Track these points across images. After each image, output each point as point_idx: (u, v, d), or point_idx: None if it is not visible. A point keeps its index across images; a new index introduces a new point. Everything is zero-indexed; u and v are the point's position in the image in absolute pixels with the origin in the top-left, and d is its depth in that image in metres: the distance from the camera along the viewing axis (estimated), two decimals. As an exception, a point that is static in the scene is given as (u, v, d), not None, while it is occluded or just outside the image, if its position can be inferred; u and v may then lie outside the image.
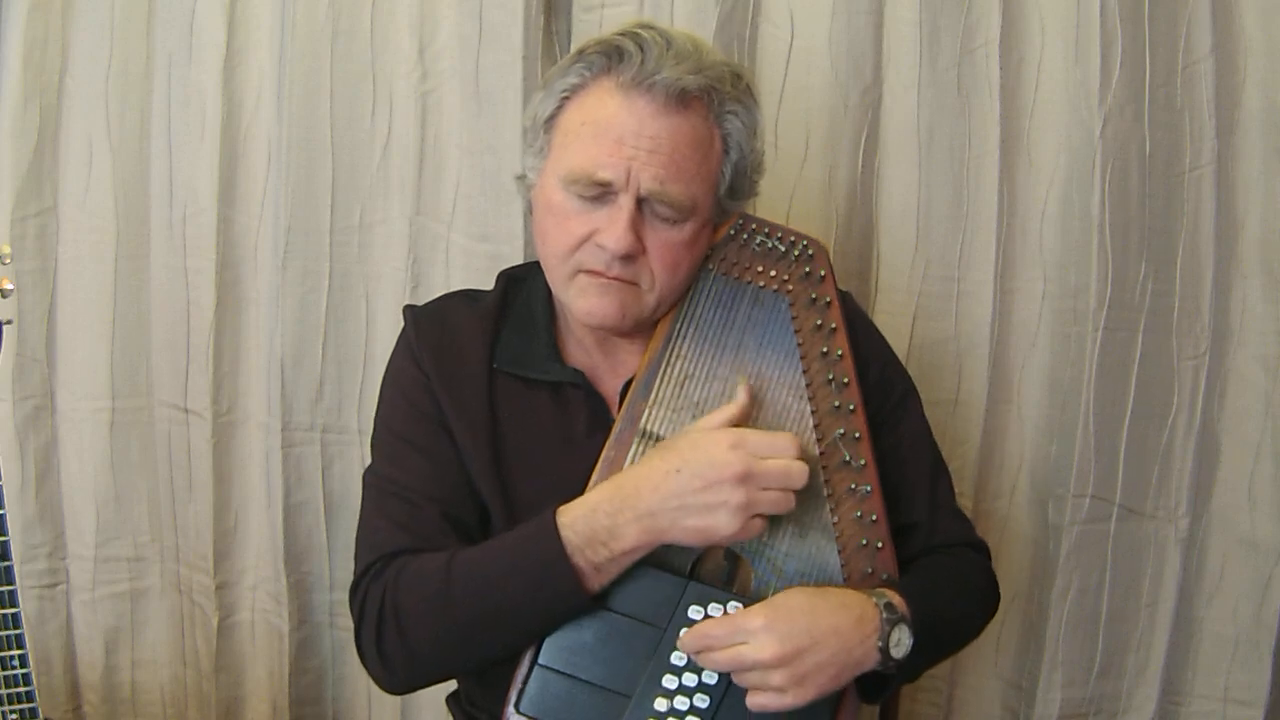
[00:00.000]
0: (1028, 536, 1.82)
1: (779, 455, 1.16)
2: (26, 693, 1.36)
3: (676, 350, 1.28)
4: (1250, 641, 1.81)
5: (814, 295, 1.28)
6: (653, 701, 1.18)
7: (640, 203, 1.21)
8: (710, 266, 1.30)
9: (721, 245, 1.30)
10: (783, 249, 1.30)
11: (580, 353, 1.34)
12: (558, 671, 1.20)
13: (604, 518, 1.16)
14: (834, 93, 1.70)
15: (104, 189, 1.73)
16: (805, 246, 1.29)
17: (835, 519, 1.24)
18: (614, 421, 1.26)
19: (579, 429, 1.30)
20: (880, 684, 1.21)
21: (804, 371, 1.27)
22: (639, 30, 1.22)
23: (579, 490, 1.21)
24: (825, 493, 1.24)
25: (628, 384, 1.29)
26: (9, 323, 1.36)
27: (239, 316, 1.77)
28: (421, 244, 1.73)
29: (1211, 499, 1.82)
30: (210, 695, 1.83)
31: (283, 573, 1.77)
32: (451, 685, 1.40)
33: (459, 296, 1.41)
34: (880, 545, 1.24)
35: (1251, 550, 1.80)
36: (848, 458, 1.25)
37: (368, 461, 1.35)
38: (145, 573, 1.82)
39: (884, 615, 1.16)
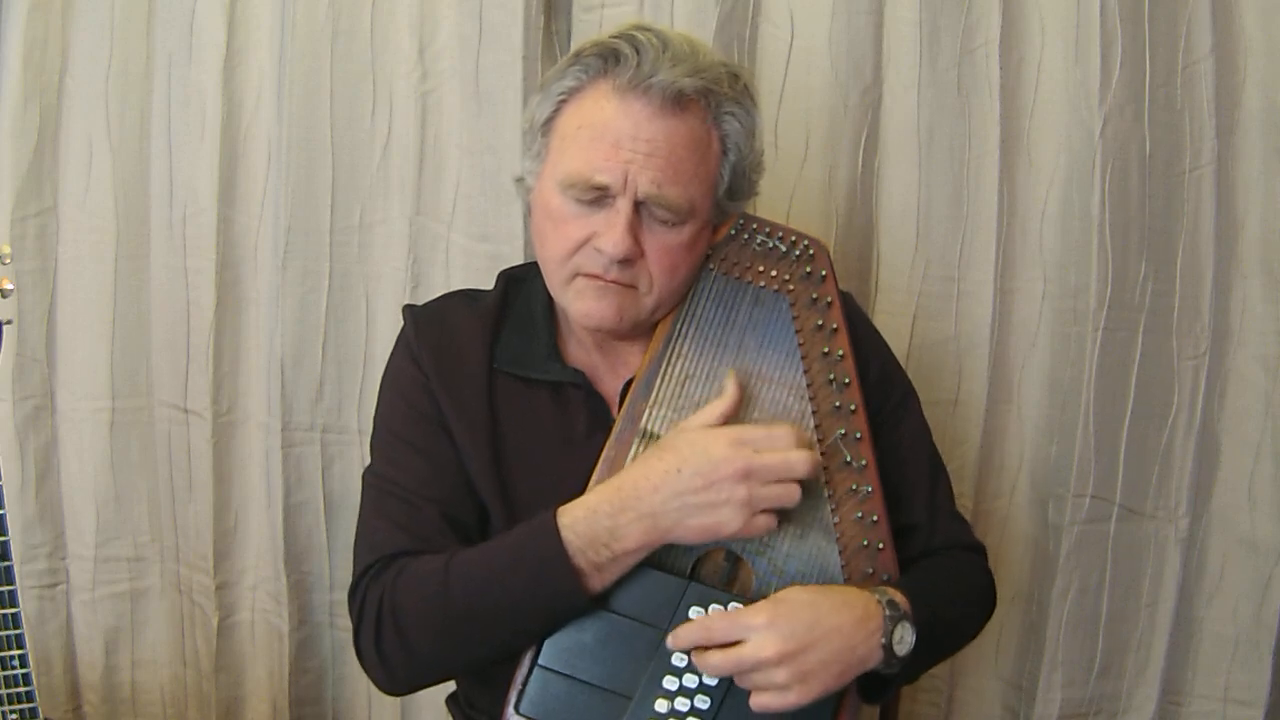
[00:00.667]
0: (1028, 536, 1.82)
1: (779, 448, 1.16)
2: (26, 693, 1.36)
3: (677, 350, 1.28)
4: (1250, 641, 1.81)
5: (815, 295, 1.28)
6: (653, 702, 1.18)
7: (638, 206, 1.20)
8: (711, 266, 1.30)
9: (722, 245, 1.30)
10: (784, 249, 1.29)
11: (580, 353, 1.34)
12: (558, 672, 1.20)
13: (605, 519, 1.16)
14: (834, 93, 1.70)
15: (104, 189, 1.73)
16: (806, 246, 1.29)
17: (836, 519, 1.24)
18: (614, 421, 1.26)
19: (579, 429, 1.30)
20: (881, 685, 1.21)
21: (805, 372, 1.27)
22: (635, 32, 1.22)
23: (579, 490, 1.21)
24: (826, 493, 1.24)
25: (628, 384, 1.29)
26: (9, 323, 1.36)
27: (239, 316, 1.77)
28: (421, 244, 1.73)
29: (1211, 499, 1.82)
30: (210, 695, 1.83)
31: (283, 573, 1.77)
32: (451, 686, 1.40)
33: (459, 296, 1.41)
34: (881, 546, 1.24)
35: (1251, 550, 1.80)
36: (849, 458, 1.25)
37: (368, 461, 1.35)
38: (145, 573, 1.82)
39: (887, 613, 1.16)
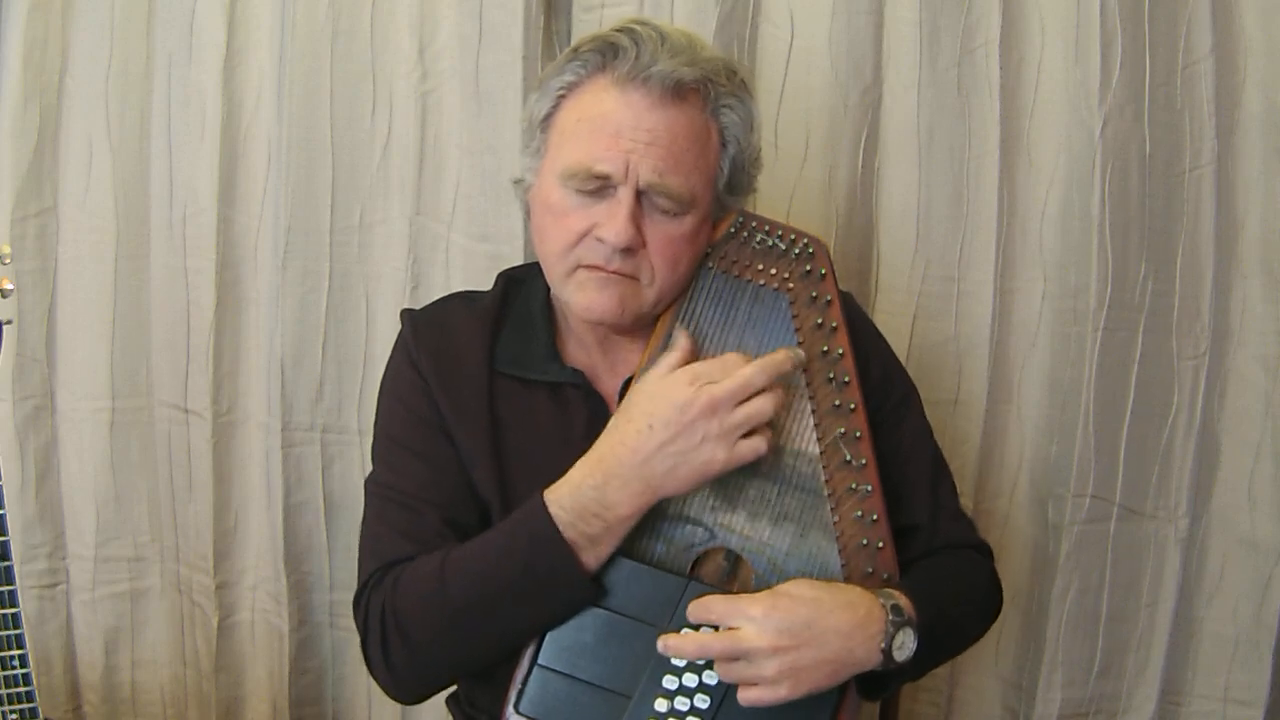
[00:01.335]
0: (1028, 536, 1.82)
1: (731, 371, 1.17)
2: (26, 693, 1.36)
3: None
4: (1250, 641, 1.81)
5: (814, 293, 1.28)
6: (653, 702, 1.18)
7: (640, 195, 1.20)
8: (710, 264, 1.29)
9: (721, 243, 1.30)
10: (783, 247, 1.29)
11: (580, 352, 1.34)
12: (557, 672, 1.20)
13: (591, 490, 1.16)
14: (834, 93, 1.70)
15: (104, 189, 1.73)
16: (806, 245, 1.29)
17: (836, 518, 1.23)
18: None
19: (578, 429, 1.29)
20: (881, 682, 1.21)
21: (804, 370, 1.26)
22: (633, 26, 1.23)
23: None
24: (826, 492, 1.24)
25: (627, 382, 1.29)
26: (9, 323, 1.36)
27: (239, 316, 1.77)
28: (421, 244, 1.73)
29: (1211, 499, 1.82)
30: (210, 695, 1.83)
31: (283, 573, 1.77)
32: (451, 686, 1.40)
33: (457, 298, 1.41)
34: (881, 545, 1.24)
35: (1251, 550, 1.80)
36: (848, 457, 1.24)
37: (367, 461, 1.35)
38: (145, 573, 1.82)
39: (891, 618, 1.15)
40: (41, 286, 1.74)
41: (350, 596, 1.29)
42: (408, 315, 1.37)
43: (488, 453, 1.27)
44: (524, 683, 1.21)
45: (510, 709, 1.20)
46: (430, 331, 1.34)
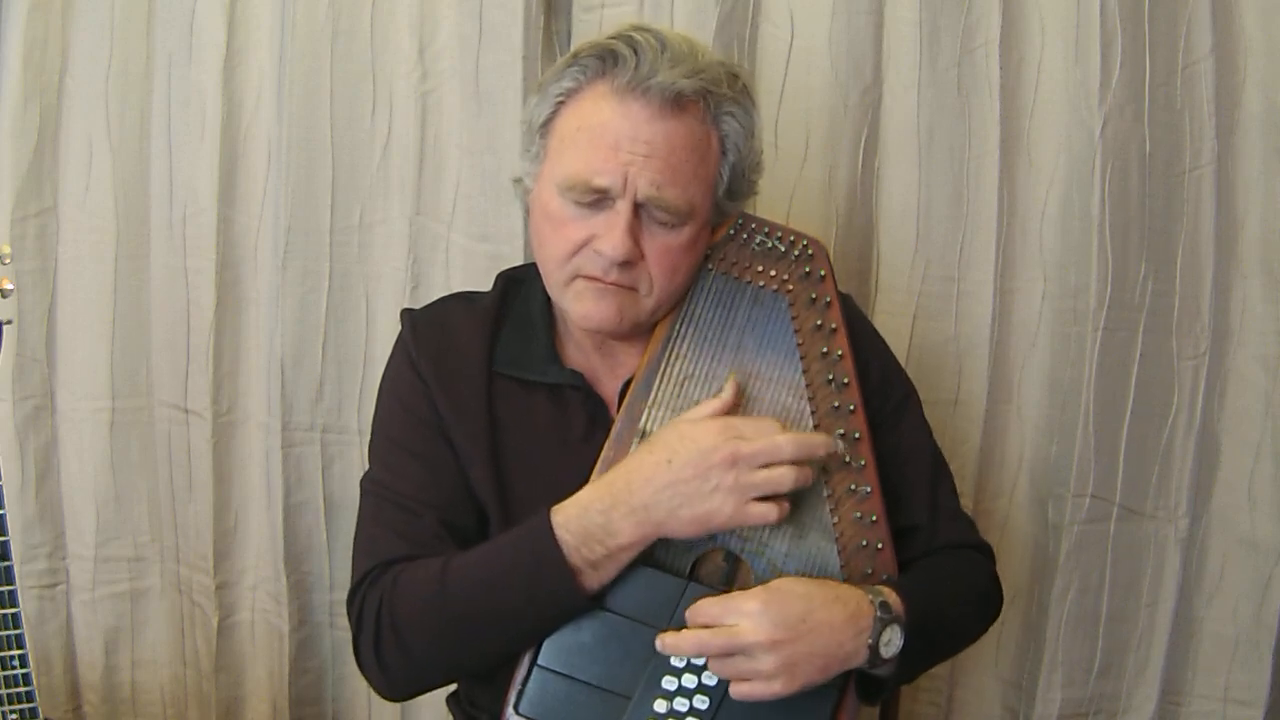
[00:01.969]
0: (1028, 536, 1.82)
1: (764, 434, 1.17)
2: (26, 693, 1.36)
3: (676, 350, 1.28)
4: (1250, 641, 1.81)
5: (814, 295, 1.28)
6: (652, 703, 1.18)
7: (637, 208, 1.20)
8: (710, 266, 1.29)
9: (721, 245, 1.30)
10: (783, 249, 1.29)
11: (579, 354, 1.34)
12: (557, 672, 1.20)
13: (597, 515, 1.16)
14: (834, 93, 1.70)
15: (104, 189, 1.73)
16: (805, 246, 1.29)
17: (835, 519, 1.24)
18: (613, 422, 1.26)
19: (577, 430, 1.30)
20: (879, 685, 1.21)
21: (804, 371, 1.26)
22: (633, 33, 1.22)
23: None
24: (825, 493, 1.24)
25: (627, 384, 1.29)
26: (9, 323, 1.36)
27: (239, 316, 1.77)
28: (421, 244, 1.73)
29: (1211, 499, 1.82)
30: (210, 695, 1.83)
31: (283, 573, 1.77)
32: (451, 685, 1.40)
33: (456, 299, 1.41)
34: (880, 546, 1.24)
35: (1251, 550, 1.80)
36: (848, 458, 1.24)
37: (367, 462, 1.35)
38: (145, 573, 1.82)
39: (878, 614, 1.16)
40: (41, 286, 1.74)
41: (350, 594, 1.30)
42: (407, 315, 1.37)
43: (486, 453, 1.27)
44: (524, 683, 1.21)
45: (510, 710, 1.20)
46: (430, 332, 1.34)
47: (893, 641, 1.17)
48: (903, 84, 1.70)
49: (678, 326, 1.28)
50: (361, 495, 1.33)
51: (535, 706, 1.20)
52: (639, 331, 1.28)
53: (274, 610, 1.80)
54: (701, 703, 1.18)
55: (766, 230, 1.30)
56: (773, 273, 1.29)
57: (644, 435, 1.24)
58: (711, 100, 1.22)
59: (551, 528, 1.16)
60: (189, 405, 1.78)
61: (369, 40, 1.70)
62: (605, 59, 1.21)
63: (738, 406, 1.24)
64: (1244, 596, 1.81)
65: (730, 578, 1.23)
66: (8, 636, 1.34)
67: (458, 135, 1.70)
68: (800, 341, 1.27)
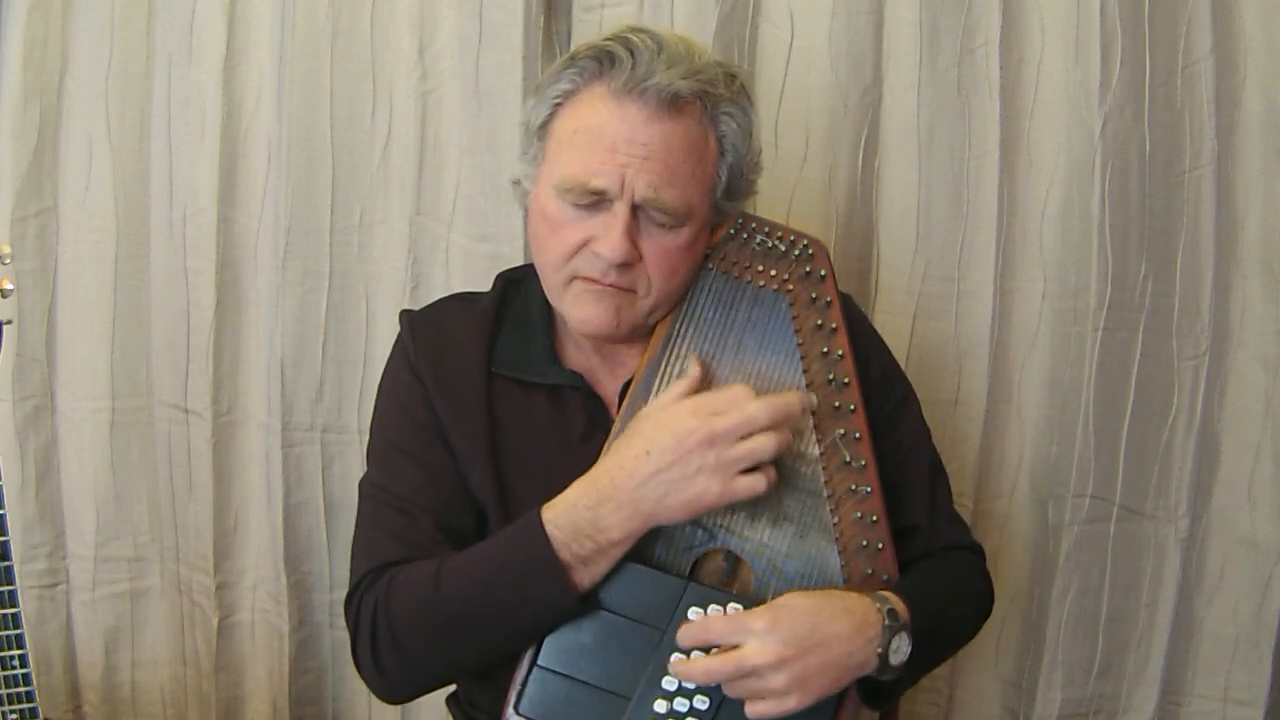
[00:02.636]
0: (1028, 536, 1.82)
1: (737, 406, 1.16)
2: (26, 693, 1.36)
3: (676, 350, 1.28)
4: (1250, 641, 1.81)
5: (814, 295, 1.28)
6: (652, 703, 1.18)
7: (635, 209, 1.20)
8: (710, 266, 1.29)
9: (721, 244, 1.30)
10: (783, 248, 1.29)
11: (578, 355, 1.34)
12: (557, 673, 1.20)
13: (585, 511, 1.16)
14: (834, 93, 1.70)
15: (104, 189, 1.73)
16: (805, 246, 1.29)
17: (835, 519, 1.23)
18: (613, 422, 1.26)
19: (576, 431, 1.30)
20: (883, 690, 1.21)
21: (804, 371, 1.26)
22: (629, 35, 1.21)
23: None
24: (825, 493, 1.24)
25: (627, 384, 1.29)
26: (9, 323, 1.36)
27: (239, 316, 1.77)
28: (421, 244, 1.73)
29: (1211, 499, 1.82)
30: (210, 695, 1.83)
31: (283, 573, 1.77)
32: (451, 686, 1.40)
33: (455, 300, 1.41)
34: (880, 546, 1.24)
35: (1251, 550, 1.80)
36: (848, 458, 1.24)
37: (367, 461, 1.35)
38: (145, 573, 1.82)
39: (886, 622, 1.16)
40: (41, 286, 1.73)
41: (350, 593, 1.30)
42: (406, 317, 1.37)
43: (485, 454, 1.27)
44: (524, 684, 1.21)
45: (510, 710, 1.20)
46: (428, 333, 1.34)
47: (901, 649, 1.16)
48: (903, 84, 1.70)
49: (678, 326, 1.28)
50: (360, 498, 1.33)
51: (535, 707, 1.20)
52: (637, 333, 1.28)
53: (274, 610, 1.80)
54: (701, 703, 1.18)
55: (767, 230, 1.30)
56: (773, 272, 1.29)
57: (643, 435, 1.24)
58: (709, 101, 1.22)
59: (542, 525, 1.16)
60: (189, 405, 1.78)
61: (369, 40, 1.70)
62: (602, 61, 1.21)
63: (706, 384, 1.23)
64: (1244, 596, 1.81)
65: (731, 578, 1.23)
66: (8, 636, 1.34)
67: (458, 135, 1.70)
68: (800, 341, 1.27)
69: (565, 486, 1.21)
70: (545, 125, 1.25)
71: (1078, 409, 1.75)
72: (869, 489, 1.24)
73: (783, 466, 1.23)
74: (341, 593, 1.77)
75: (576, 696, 1.20)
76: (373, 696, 1.80)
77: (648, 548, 1.21)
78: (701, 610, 1.19)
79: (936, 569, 1.31)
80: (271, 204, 1.72)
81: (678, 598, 1.19)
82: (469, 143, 1.70)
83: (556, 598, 1.17)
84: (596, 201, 1.20)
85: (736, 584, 1.23)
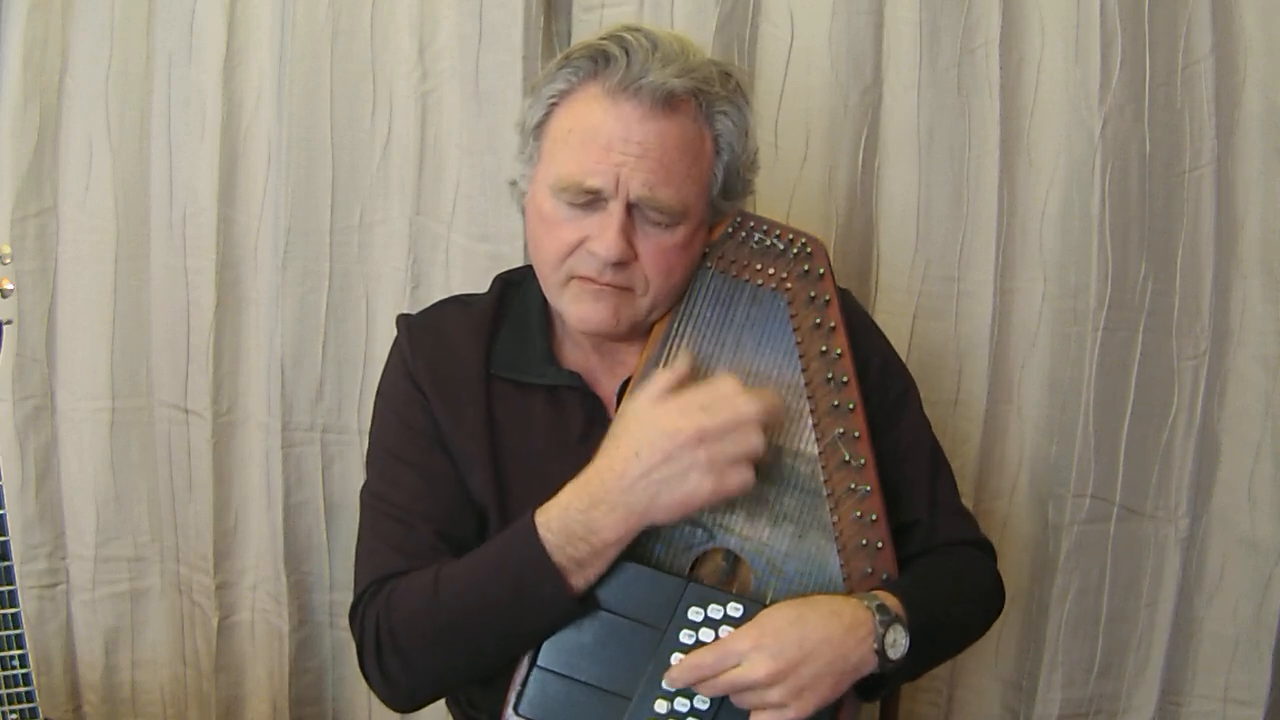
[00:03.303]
0: (1028, 536, 1.82)
1: (725, 402, 1.15)
2: (26, 693, 1.36)
3: (675, 349, 1.27)
4: (1250, 641, 1.81)
5: (813, 293, 1.28)
6: (652, 703, 1.18)
7: (631, 208, 1.20)
8: (708, 264, 1.29)
9: (720, 243, 1.30)
10: (781, 247, 1.29)
11: (577, 355, 1.34)
12: (557, 673, 1.20)
13: (578, 514, 1.15)
14: (834, 93, 1.70)
15: (104, 189, 1.73)
16: (804, 244, 1.29)
17: (835, 518, 1.23)
18: (611, 422, 1.26)
19: (575, 431, 1.30)
20: (877, 683, 1.20)
21: (803, 370, 1.26)
22: (624, 34, 1.21)
23: None
24: (825, 492, 1.24)
25: (625, 383, 1.29)
26: (9, 323, 1.36)
27: (239, 316, 1.77)
28: (421, 244, 1.73)
29: (1211, 499, 1.82)
30: (210, 695, 1.83)
31: (283, 573, 1.77)
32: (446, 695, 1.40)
33: (452, 303, 1.41)
34: (880, 545, 1.24)
35: (1251, 550, 1.80)
36: (847, 457, 1.24)
37: (368, 461, 1.35)
38: (145, 573, 1.82)
39: (877, 618, 1.16)
40: (41, 286, 1.74)
41: (350, 596, 1.30)
42: (403, 321, 1.37)
43: (485, 457, 1.27)
44: (523, 684, 1.20)
45: (510, 710, 1.20)
46: (426, 337, 1.34)
47: (898, 642, 1.17)
48: (903, 84, 1.70)
49: (676, 325, 1.28)
50: (361, 507, 1.33)
51: (535, 707, 1.20)
52: (637, 332, 1.28)
53: (274, 610, 1.80)
54: (702, 703, 1.18)
55: (765, 228, 1.30)
56: (771, 271, 1.29)
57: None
58: (704, 99, 1.22)
59: (535, 529, 1.16)
60: (189, 405, 1.78)
61: (369, 40, 1.70)
62: (597, 60, 1.21)
63: (687, 377, 1.22)
64: (1244, 596, 1.81)
65: (730, 577, 1.23)
66: (8, 636, 1.34)
67: (458, 135, 1.70)
68: (799, 340, 1.27)
69: (563, 487, 1.21)
70: (540, 125, 1.25)
71: (1078, 409, 1.75)
72: (868, 488, 1.24)
73: (782, 465, 1.23)
74: (341, 593, 1.78)
75: (576, 697, 1.19)
76: (373, 696, 1.81)
77: (647, 547, 1.21)
78: (701, 610, 1.19)
79: (936, 565, 1.31)
80: (271, 204, 1.72)
81: (678, 597, 1.19)
82: (469, 143, 1.70)
83: (553, 601, 1.17)
84: (592, 200, 1.20)
85: (736, 583, 1.23)
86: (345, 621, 1.31)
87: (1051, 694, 1.81)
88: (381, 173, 1.73)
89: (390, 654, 1.22)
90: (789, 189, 1.72)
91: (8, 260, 1.35)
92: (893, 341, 1.44)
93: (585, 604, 1.19)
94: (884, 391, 1.35)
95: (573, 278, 1.24)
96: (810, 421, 1.25)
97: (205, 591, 1.80)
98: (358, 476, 1.73)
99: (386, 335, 1.69)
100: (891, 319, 1.73)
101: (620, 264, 1.21)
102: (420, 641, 1.20)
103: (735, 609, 1.18)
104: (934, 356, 1.76)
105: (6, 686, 1.35)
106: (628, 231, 1.20)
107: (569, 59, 1.24)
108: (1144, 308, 1.75)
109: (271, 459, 1.76)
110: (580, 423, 1.30)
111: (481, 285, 1.43)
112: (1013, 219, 1.75)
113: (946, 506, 1.37)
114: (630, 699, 1.19)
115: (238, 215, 1.74)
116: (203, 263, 1.74)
